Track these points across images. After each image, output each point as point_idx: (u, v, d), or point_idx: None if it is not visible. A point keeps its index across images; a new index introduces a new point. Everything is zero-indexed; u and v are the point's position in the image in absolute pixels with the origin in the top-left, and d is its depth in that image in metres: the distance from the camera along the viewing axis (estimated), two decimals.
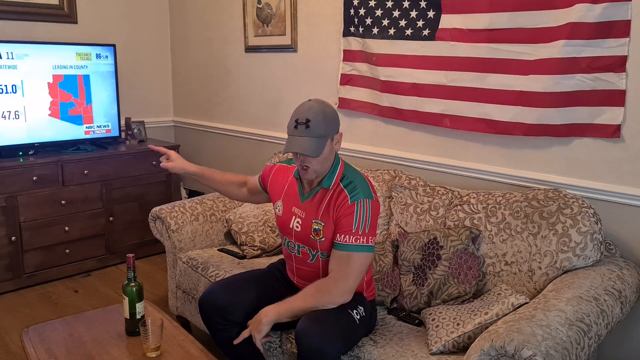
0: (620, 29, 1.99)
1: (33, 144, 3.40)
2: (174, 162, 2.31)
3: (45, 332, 1.97)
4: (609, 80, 2.04)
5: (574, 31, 2.06)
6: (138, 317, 1.92)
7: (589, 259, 1.92)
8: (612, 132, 2.07)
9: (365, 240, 1.80)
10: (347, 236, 1.80)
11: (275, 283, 2.09)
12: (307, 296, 1.82)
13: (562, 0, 2.09)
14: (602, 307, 1.70)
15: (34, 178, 3.25)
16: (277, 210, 2.05)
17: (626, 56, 1.99)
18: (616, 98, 2.04)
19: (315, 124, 1.77)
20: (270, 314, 1.82)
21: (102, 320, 2.06)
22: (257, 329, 1.82)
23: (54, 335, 1.95)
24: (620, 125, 2.05)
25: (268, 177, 2.14)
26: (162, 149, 2.37)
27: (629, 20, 1.97)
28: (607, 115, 2.07)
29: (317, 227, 1.89)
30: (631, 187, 2.05)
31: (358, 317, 1.85)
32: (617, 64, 2.01)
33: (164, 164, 2.31)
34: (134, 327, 1.91)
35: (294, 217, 1.96)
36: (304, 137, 1.77)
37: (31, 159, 3.29)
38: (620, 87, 2.02)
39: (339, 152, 1.96)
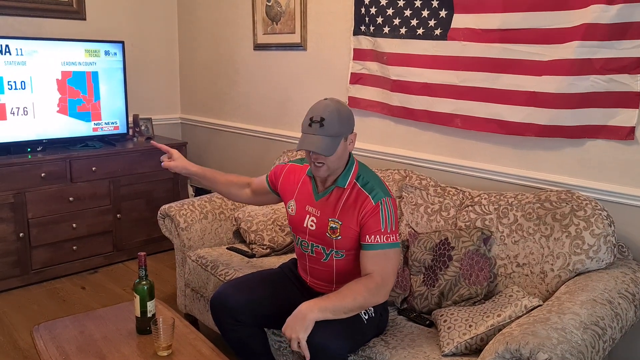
0: (635, 30, 1.97)
1: (41, 140, 3.40)
2: (176, 161, 2.25)
3: (56, 330, 1.97)
4: (624, 82, 2.03)
5: (589, 32, 2.05)
6: (149, 315, 1.92)
7: (602, 261, 1.91)
8: (626, 134, 2.05)
9: (394, 237, 1.82)
10: (378, 236, 1.80)
11: (288, 284, 2.08)
12: (356, 294, 1.73)
13: (577, 0, 2.07)
14: (617, 311, 1.69)
15: (42, 174, 3.25)
16: (289, 210, 2.04)
17: None
18: (631, 100, 2.03)
19: (329, 123, 1.77)
20: (316, 310, 1.68)
21: (112, 318, 2.05)
22: (303, 327, 1.66)
23: (65, 332, 1.95)
24: (634, 127, 2.04)
25: (279, 177, 2.12)
26: (164, 147, 2.30)
27: None
28: (622, 117, 2.06)
29: (333, 226, 1.88)
30: None
31: (366, 317, 1.85)
32: (633, 66, 2.00)
33: (165, 163, 2.25)
34: (145, 325, 1.90)
35: (308, 215, 1.96)
36: (318, 136, 1.77)
37: (39, 156, 3.29)
38: (635, 88, 2.01)
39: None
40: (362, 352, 1.86)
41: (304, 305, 1.71)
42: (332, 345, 1.67)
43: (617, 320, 1.67)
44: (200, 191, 4.19)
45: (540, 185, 2.30)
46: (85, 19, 3.79)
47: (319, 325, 1.68)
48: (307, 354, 1.67)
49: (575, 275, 1.93)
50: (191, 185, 4.27)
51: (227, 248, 2.75)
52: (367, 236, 1.82)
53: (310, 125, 1.79)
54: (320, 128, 1.77)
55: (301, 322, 1.68)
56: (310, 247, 1.98)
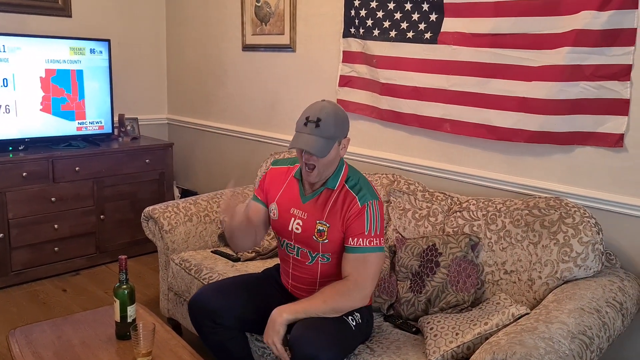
0: (626, 37, 1.97)
1: (23, 139, 3.32)
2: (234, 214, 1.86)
3: (32, 334, 1.91)
4: (614, 89, 2.02)
5: (579, 38, 2.04)
6: (129, 320, 1.87)
7: (590, 269, 1.89)
8: (615, 141, 2.04)
9: (378, 242, 1.80)
10: (361, 239, 1.79)
11: (268, 289, 2.04)
12: (327, 297, 1.76)
13: (568, 6, 2.06)
14: (604, 320, 1.67)
15: (24, 174, 3.18)
16: (272, 214, 1.99)
17: (631, 65, 1.97)
18: (620, 107, 2.02)
19: (325, 124, 1.75)
20: (286, 313, 1.74)
21: (91, 323, 2.00)
22: (274, 331, 1.73)
23: (42, 337, 1.89)
24: (623, 134, 2.03)
25: (264, 188, 2.03)
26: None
27: (635, 29, 1.95)
28: (611, 124, 2.05)
29: (321, 228, 1.85)
30: (633, 197, 2.03)
31: (354, 323, 1.82)
32: (622, 73, 1.99)
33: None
34: (124, 330, 1.86)
35: (293, 218, 1.92)
36: (312, 136, 1.75)
37: (21, 155, 3.21)
38: (624, 96, 2.00)
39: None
40: (347, 359, 1.82)
41: (274, 311, 1.77)
42: (322, 355, 1.64)
43: (604, 329, 1.65)
44: (186, 192, 4.14)
45: (529, 191, 2.29)
46: (70, 16, 3.72)
47: (309, 335, 1.66)
48: (285, 356, 1.71)
49: (563, 283, 1.91)
50: (177, 187, 4.21)
51: (211, 251, 2.70)
52: (350, 239, 1.80)
53: (305, 124, 1.77)
54: (316, 128, 1.75)
55: (272, 327, 1.74)
56: (295, 250, 1.94)
